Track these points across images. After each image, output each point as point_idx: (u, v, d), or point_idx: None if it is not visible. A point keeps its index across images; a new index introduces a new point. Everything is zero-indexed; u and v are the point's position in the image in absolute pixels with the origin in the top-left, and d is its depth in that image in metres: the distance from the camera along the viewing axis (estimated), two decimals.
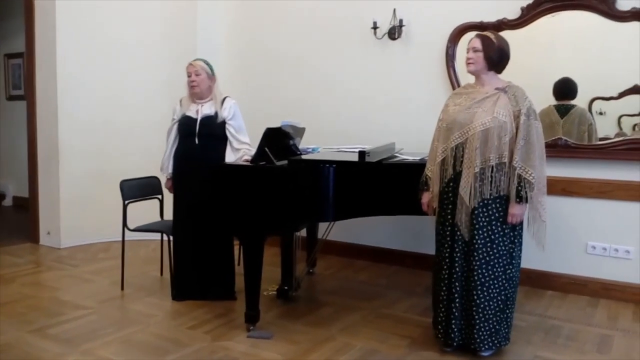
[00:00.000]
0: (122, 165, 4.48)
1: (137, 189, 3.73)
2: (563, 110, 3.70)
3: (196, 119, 3.40)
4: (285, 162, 3.01)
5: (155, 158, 4.79)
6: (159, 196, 3.87)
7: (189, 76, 3.41)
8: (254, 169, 3.00)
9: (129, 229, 3.62)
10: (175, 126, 3.47)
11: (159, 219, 3.88)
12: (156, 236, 3.93)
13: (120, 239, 3.69)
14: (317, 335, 2.97)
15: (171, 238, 3.54)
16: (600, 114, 3.62)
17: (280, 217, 2.90)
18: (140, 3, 4.92)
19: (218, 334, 2.96)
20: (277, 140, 3.13)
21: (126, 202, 3.63)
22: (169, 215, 3.87)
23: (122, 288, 3.70)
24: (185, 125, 3.41)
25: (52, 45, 4.70)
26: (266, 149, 2.97)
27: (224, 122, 3.40)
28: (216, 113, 3.40)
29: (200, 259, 3.43)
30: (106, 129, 4.91)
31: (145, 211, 3.83)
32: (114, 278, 3.86)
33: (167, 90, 4.89)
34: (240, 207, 2.94)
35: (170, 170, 3.52)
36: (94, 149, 4.88)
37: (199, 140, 3.38)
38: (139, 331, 3.01)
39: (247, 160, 3.19)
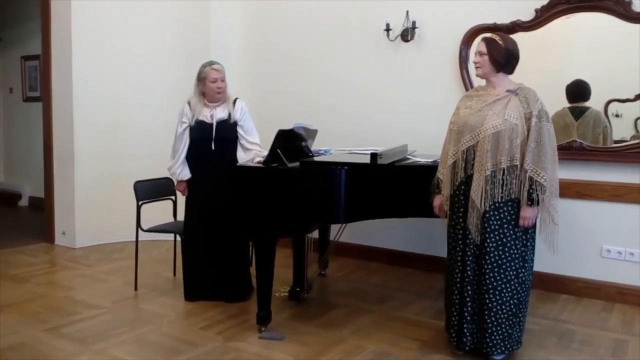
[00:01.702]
0: (136, 167, 4.52)
1: (150, 190, 3.77)
2: (578, 113, 3.67)
3: (211, 124, 3.37)
4: (297, 163, 3.02)
5: (168, 160, 4.84)
6: (172, 197, 3.90)
7: (215, 81, 3.35)
8: (266, 170, 3.01)
9: (142, 230, 3.65)
10: (187, 131, 3.42)
11: (172, 219, 3.91)
12: (169, 237, 3.96)
13: (134, 239, 3.73)
14: (328, 337, 2.97)
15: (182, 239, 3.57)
16: (617, 116, 3.59)
17: (292, 218, 2.91)
18: (153, 7, 4.96)
19: (230, 335, 2.98)
20: (290, 142, 3.13)
21: (140, 203, 3.67)
22: (182, 216, 3.90)
23: (136, 288, 3.73)
24: (200, 130, 3.38)
25: (68, 48, 4.77)
26: (278, 150, 2.98)
27: (236, 124, 3.42)
28: (229, 115, 3.41)
29: (214, 259, 3.44)
30: (120, 131, 4.96)
31: (159, 212, 3.86)
32: (127, 278, 3.89)
33: (180, 92, 4.89)
34: (252, 209, 2.95)
35: (185, 173, 3.47)
36: (109, 151, 4.93)
37: (215, 145, 3.38)
38: (152, 331, 3.03)
39: (259, 162, 3.20)
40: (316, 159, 3.28)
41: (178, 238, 3.69)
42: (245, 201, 2.97)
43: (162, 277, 4.02)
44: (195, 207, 3.46)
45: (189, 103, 3.45)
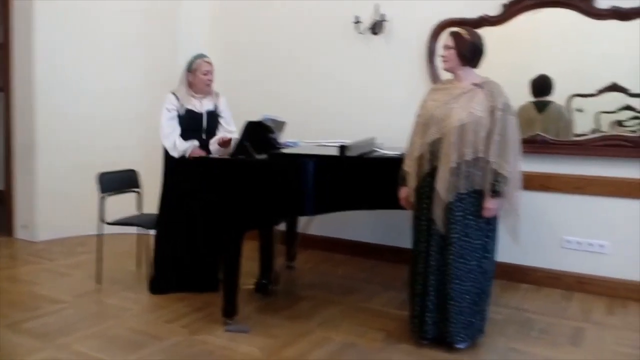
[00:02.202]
0: (101, 159, 4.41)
1: (114, 182, 3.71)
2: (541, 107, 3.75)
3: (201, 113, 3.41)
4: (265, 155, 3.01)
5: (134, 152, 4.76)
6: (137, 189, 3.84)
7: (206, 74, 3.39)
8: (233, 162, 2.99)
9: (105, 223, 3.59)
10: (176, 118, 3.36)
11: (136, 212, 3.85)
12: (134, 230, 3.89)
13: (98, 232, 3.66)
14: (295, 329, 2.97)
15: (150, 232, 3.52)
16: (579, 110, 3.67)
17: (259, 211, 2.90)
18: None
19: (196, 328, 2.95)
20: (258, 134, 3.12)
21: (103, 195, 3.60)
22: (147, 208, 3.85)
23: (99, 282, 3.67)
24: (191, 120, 3.38)
25: (30, 38, 4.62)
26: (245, 142, 2.96)
27: (218, 116, 3.49)
28: (215, 107, 3.48)
29: (195, 249, 3.40)
30: (85, 122, 4.84)
31: (124, 204, 3.80)
32: (90, 272, 3.81)
33: (147, 84, 4.85)
34: (219, 201, 2.92)
35: (193, 142, 3.35)
36: (73, 142, 4.81)
37: (206, 135, 3.42)
38: (115, 325, 2.98)
39: (224, 140, 3.22)
40: (284, 151, 3.27)
41: (143, 230, 3.63)
42: (213, 193, 2.95)
43: (126, 270, 3.95)
44: (178, 197, 3.38)
45: (173, 93, 3.41)
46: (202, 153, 3.35)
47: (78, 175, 4.67)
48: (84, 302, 3.33)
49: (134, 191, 3.84)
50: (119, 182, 3.75)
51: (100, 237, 3.68)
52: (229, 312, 2.97)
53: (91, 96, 4.85)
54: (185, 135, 3.38)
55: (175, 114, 3.37)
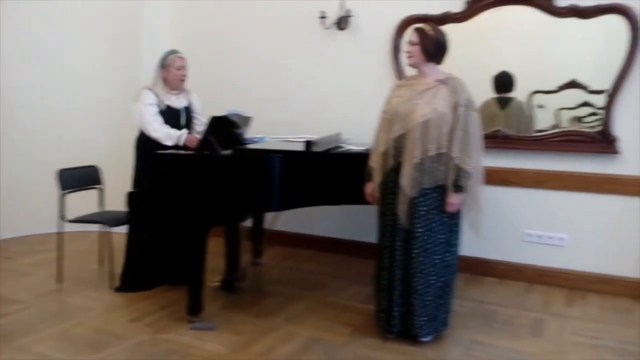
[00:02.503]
0: (61, 155, 4.32)
1: (75, 179, 3.63)
2: (503, 103, 3.82)
3: (179, 110, 3.43)
4: (230, 151, 2.98)
5: (96, 148, 4.66)
6: (99, 186, 3.76)
7: (180, 69, 3.40)
8: (198, 158, 2.95)
9: (66, 220, 3.50)
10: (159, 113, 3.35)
11: (98, 209, 3.77)
12: (96, 228, 3.81)
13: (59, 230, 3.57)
14: (261, 325, 2.96)
15: (113, 230, 3.46)
16: (540, 107, 3.75)
17: (225, 207, 2.88)
18: None
19: (160, 327, 2.91)
20: (223, 129, 3.09)
21: (64, 192, 3.51)
22: (109, 205, 3.77)
23: (60, 281, 3.58)
24: (172, 115, 3.39)
25: None
26: (211, 137, 2.93)
27: (192, 112, 3.53)
28: (190, 103, 3.52)
29: (171, 243, 3.35)
30: (45, 117, 4.72)
31: (86, 202, 3.71)
32: (51, 271, 3.72)
33: (106, 78, 4.76)
34: (184, 197, 2.89)
35: (183, 130, 3.38)
36: (32, 137, 4.68)
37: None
38: (77, 325, 2.92)
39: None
40: (250, 146, 3.25)
41: (105, 228, 3.55)
42: (178, 189, 2.91)
43: (88, 269, 3.87)
44: (152, 191, 3.31)
45: (150, 90, 3.37)
46: (197, 138, 3.31)
47: (37, 171, 4.53)
48: (45, 302, 3.25)
49: (95, 188, 3.76)
50: (79, 178, 3.67)
51: (61, 235, 3.60)
52: (194, 309, 2.94)
53: (51, 90, 4.72)
54: None
55: (157, 109, 3.35)
